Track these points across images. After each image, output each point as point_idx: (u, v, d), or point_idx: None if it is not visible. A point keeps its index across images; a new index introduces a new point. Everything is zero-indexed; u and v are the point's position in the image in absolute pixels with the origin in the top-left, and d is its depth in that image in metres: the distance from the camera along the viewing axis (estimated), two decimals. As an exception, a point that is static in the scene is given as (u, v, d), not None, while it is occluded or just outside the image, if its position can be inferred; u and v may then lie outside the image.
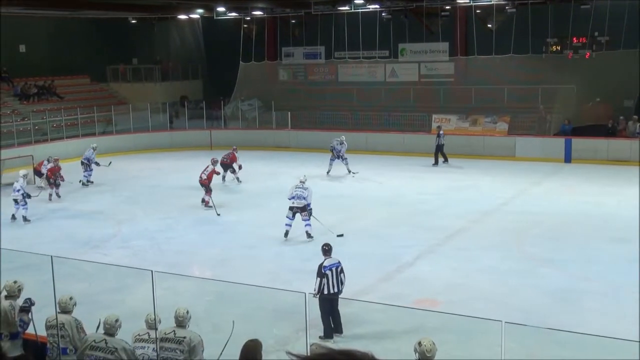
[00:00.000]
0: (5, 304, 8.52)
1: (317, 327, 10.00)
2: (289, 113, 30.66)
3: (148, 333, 7.51)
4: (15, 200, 18.08)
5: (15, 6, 28.00)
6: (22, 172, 18.88)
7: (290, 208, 15.65)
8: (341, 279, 10.43)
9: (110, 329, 7.37)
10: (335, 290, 10.35)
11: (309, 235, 15.50)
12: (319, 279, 10.39)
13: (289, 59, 35.31)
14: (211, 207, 18.56)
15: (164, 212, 18.77)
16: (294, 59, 35.19)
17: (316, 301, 10.08)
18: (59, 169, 21.03)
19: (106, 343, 7.25)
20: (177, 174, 22.44)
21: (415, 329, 9.47)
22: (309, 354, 2.14)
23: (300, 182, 15.90)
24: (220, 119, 32.22)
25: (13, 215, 18.18)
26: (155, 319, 7.42)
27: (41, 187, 21.47)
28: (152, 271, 6.68)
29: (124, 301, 11.51)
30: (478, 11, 30.23)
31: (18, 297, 8.92)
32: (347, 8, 30.77)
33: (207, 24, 37.84)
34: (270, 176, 23.77)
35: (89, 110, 30.54)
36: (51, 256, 7.09)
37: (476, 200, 19.38)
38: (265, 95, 33.21)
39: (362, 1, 29.88)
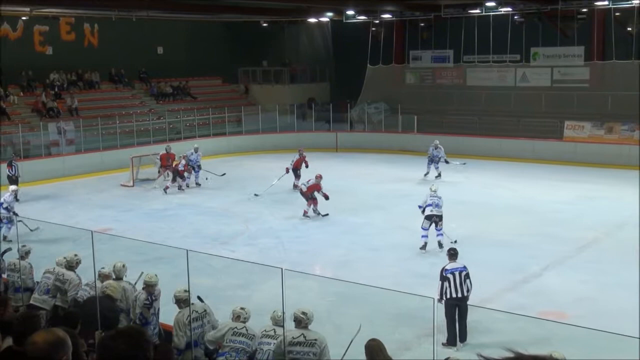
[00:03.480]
0: (135, 295, 8.95)
1: (439, 333, 9.84)
2: (415, 117, 30.46)
3: (274, 329, 7.67)
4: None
5: (157, 10, 29.30)
6: (12, 187, 17.43)
7: (429, 217, 15.04)
8: (467, 285, 10.19)
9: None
10: (459, 295, 10.11)
11: (441, 245, 14.85)
12: (440, 282, 10.27)
13: (417, 62, 35.02)
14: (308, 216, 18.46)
15: (290, 212, 19.08)
16: (422, 63, 34.85)
17: (442, 307, 9.94)
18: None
19: (247, 330, 7.79)
20: (302, 175, 22.68)
21: (541, 341, 9.15)
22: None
23: (433, 190, 15.57)
24: (346, 122, 32.44)
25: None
26: (282, 316, 7.55)
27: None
28: (282, 269, 6.78)
29: (250, 297, 11.76)
30: (617, 14, 28.89)
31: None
32: (478, 11, 30.21)
33: (335, 27, 38.21)
34: (395, 180, 23.70)
35: (220, 110, 31.59)
36: (187, 250, 7.34)
37: (611, 212, 18.51)
38: (391, 99, 33.11)
39: (494, 4, 29.25)
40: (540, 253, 14.88)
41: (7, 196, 16.63)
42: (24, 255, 10.61)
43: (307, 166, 22.40)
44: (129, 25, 31.50)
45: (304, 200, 18.66)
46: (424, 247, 15.06)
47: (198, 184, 23.13)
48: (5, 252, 11.11)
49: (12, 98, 28.30)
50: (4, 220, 15.90)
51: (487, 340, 10.19)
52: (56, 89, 29.77)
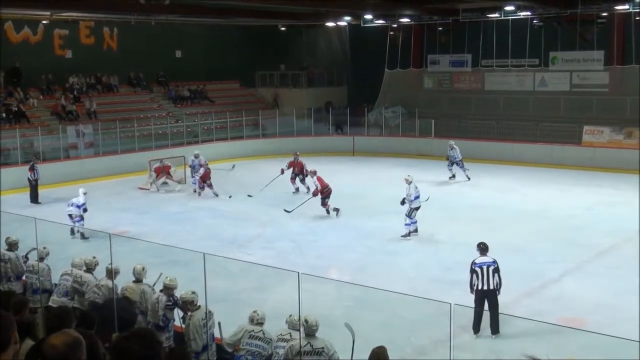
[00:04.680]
0: (155, 297, 8.96)
1: (456, 337, 9.79)
2: (433, 121, 30.37)
3: (290, 333, 7.66)
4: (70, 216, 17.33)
5: (176, 14, 29.45)
6: (81, 189, 17.75)
7: (417, 208, 16.54)
8: (496, 279, 10.46)
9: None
10: (485, 287, 10.40)
11: (416, 230, 16.64)
12: (470, 274, 10.61)
13: (435, 66, 34.97)
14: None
15: (307, 216, 19.08)
16: (440, 67, 34.80)
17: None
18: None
19: (264, 334, 7.83)
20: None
21: (560, 347, 9.08)
22: None
23: (411, 181, 16.67)
24: (363, 126, 32.40)
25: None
26: (300, 320, 7.51)
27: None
28: (298, 273, 6.77)
29: (266, 300, 11.76)
30: (637, 18, 28.66)
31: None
32: (496, 15, 30.09)
33: (353, 31, 38.23)
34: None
35: (237, 114, 31.69)
36: (204, 253, 7.35)
37: (630, 218, 18.26)
38: (409, 103, 33.07)
39: (513, 8, 29.11)
40: (559, 258, 14.78)
41: (81, 197, 17.36)
42: (44, 256, 10.67)
43: (306, 175, 21.76)
44: (147, 29, 31.73)
45: (320, 204, 18.81)
46: (408, 235, 16.43)
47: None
48: (28, 253, 11.17)
49: (32, 101, 28.54)
50: (76, 219, 17.23)
51: (505, 346, 10.14)
52: (75, 92, 29.96)
